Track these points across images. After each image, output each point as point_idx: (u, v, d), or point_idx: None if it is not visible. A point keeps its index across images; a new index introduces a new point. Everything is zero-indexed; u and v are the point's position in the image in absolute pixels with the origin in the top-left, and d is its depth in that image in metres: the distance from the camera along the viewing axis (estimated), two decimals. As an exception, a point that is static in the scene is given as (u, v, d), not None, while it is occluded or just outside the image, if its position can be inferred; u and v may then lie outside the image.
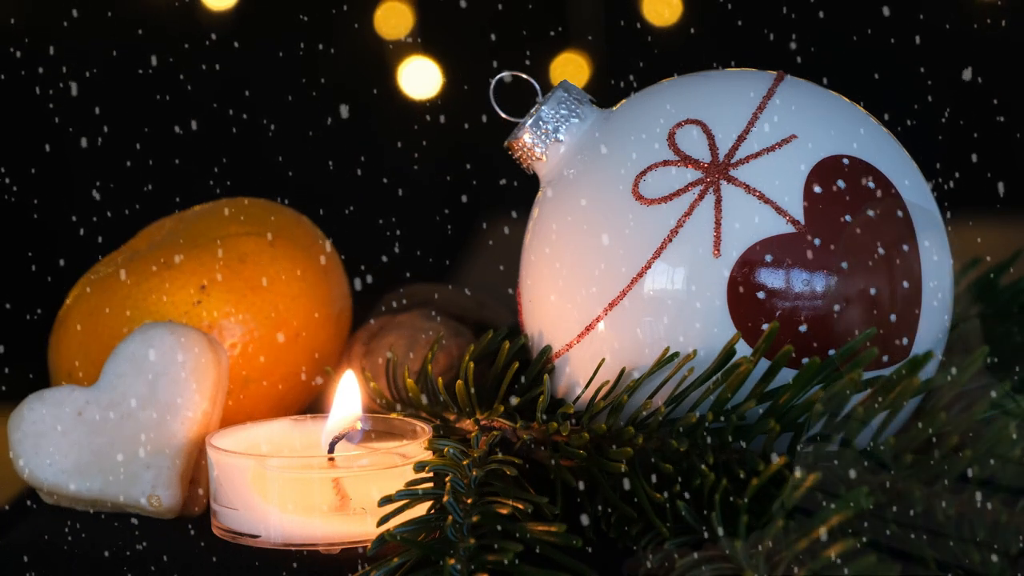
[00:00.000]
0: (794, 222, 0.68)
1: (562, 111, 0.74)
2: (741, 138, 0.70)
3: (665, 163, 0.70)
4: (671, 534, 0.64)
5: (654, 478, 0.66)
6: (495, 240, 1.81)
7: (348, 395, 0.72)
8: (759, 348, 0.65)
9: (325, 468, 0.69)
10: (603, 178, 0.71)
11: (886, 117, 0.75)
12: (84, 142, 1.78)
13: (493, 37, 1.78)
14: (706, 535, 0.63)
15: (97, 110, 1.76)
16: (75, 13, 1.74)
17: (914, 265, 0.69)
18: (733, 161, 0.69)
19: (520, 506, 0.63)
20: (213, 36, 1.75)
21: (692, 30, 1.78)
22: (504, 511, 0.63)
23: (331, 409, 0.72)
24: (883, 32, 1.71)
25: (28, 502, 0.76)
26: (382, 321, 0.83)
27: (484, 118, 0.79)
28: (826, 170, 0.69)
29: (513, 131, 0.75)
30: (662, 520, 0.65)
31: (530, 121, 0.74)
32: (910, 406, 0.70)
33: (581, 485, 0.68)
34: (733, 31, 1.73)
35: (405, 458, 0.68)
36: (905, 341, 0.69)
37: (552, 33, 1.79)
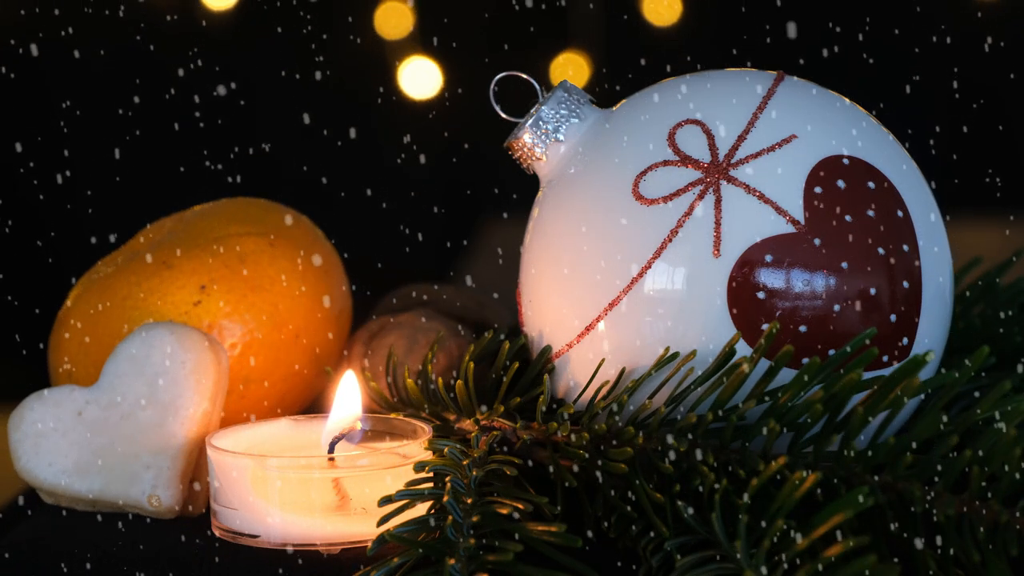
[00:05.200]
0: (794, 222, 0.68)
1: (562, 111, 0.74)
2: (741, 138, 0.70)
3: (665, 163, 0.70)
4: (671, 534, 0.64)
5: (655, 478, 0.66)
6: (495, 240, 1.81)
7: (348, 395, 0.72)
8: (759, 348, 0.65)
9: (325, 468, 0.69)
10: (603, 178, 0.71)
11: (886, 117, 0.75)
12: (85, 142, 1.78)
13: (493, 37, 1.78)
14: (706, 535, 0.63)
15: (97, 110, 1.76)
16: (75, 13, 1.74)
17: (914, 265, 0.69)
18: (733, 161, 0.69)
19: (520, 506, 0.63)
20: (213, 36, 1.75)
21: (692, 30, 1.78)
22: (504, 511, 0.63)
23: (331, 409, 0.72)
24: (883, 32, 1.71)
25: (28, 502, 0.76)
26: (382, 321, 0.83)
27: (484, 118, 0.79)
28: (826, 170, 0.69)
29: (513, 131, 0.75)
30: (662, 520, 0.65)
31: (530, 121, 0.74)
32: (910, 406, 0.70)
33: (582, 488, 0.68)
34: (733, 31, 1.73)
35: (405, 458, 0.68)
36: (905, 341, 0.69)
37: (552, 33, 1.79)
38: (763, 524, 0.60)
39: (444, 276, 1.76)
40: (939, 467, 0.61)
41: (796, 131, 0.70)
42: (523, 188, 0.81)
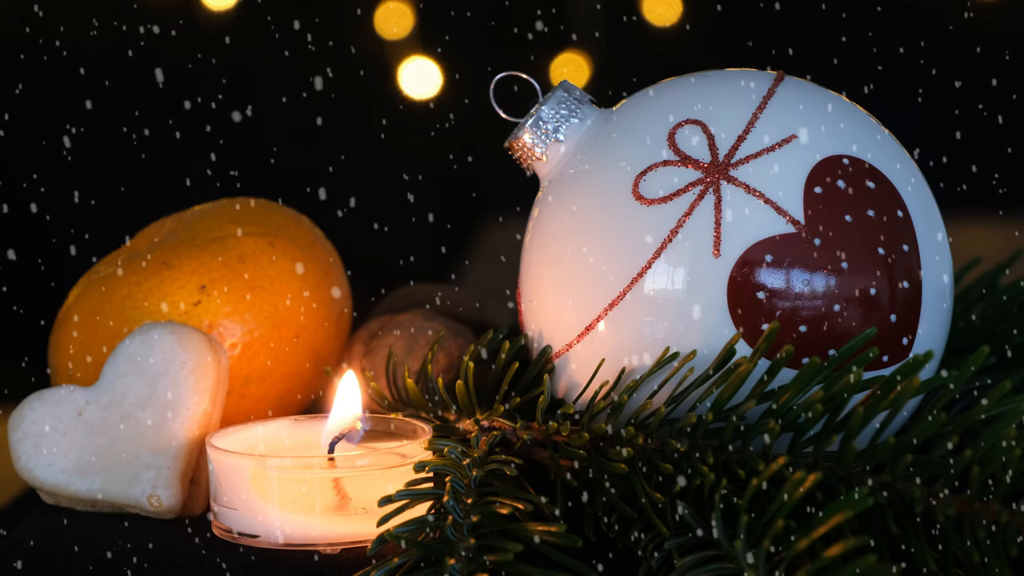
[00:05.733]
0: (794, 222, 0.68)
1: (562, 111, 0.74)
2: (741, 138, 0.70)
3: (665, 163, 0.70)
4: (671, 534, 0.64)
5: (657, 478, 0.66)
6: (495, 240, 1.81)
7: (348, 395, 0.72)
8: (759, 348, 0.65)
9: (325, 468, 0.69)
10: (603, 178, 0.71)
11: (886, 117, 0.75)
12: (85, 142, 1.78)
13: (493, 37, 1.78)
14: (706, 535, 0.63)
15: (98, 110, 1.76)
16: (75, 14, 1.74)
17: (914, 265, 0.69)
18: (733, 161, 0.69)
19: (520, 506, 0.63)
20: (213, 36, 1.75)
21: (692, 30, 1.78)
22: (504, 511, 0.63)
23: (331, 409, 0.72)
24: (883, 32, 1.71)
25: (28, 502, 0.76)
26: (382, 321, 0.83)
27: (484, 118, 0.79)
28: (826, 170, 0.69)
29: (513, 131, 0.75)
30: (662, 520, 0.65)
31: (530, 121, 0.74)
32: (910, 406, 0.70)
33: (583, 494, 0.68)
34: (733, 31, 1.73)
35: (405, 458, 0.68)
36: (905, 341, 0.69)
37: (552, 33, 1.79)
38: (765, 536, 0.60)
39: (444, 276, 1.76)
40: (939, 467, 0.61)
41: (796, 131, 0.70)
42: (523, 188, 0.81)
